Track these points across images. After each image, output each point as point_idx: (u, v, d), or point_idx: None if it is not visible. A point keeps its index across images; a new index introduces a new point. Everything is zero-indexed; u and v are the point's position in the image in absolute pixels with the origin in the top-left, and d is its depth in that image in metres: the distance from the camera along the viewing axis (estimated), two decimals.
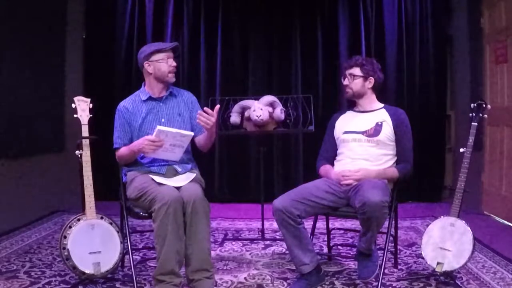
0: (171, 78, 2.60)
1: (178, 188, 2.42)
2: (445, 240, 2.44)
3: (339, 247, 3.25)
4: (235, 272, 2.74)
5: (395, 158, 2.60)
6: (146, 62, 2.58)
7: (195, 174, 2.57)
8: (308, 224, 2.61)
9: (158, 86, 2.63)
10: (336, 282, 2.57)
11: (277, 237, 3.43)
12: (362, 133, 2.59)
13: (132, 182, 2.51)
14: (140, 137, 2.53)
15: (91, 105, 2.54)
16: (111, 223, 2.50)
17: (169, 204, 2.25)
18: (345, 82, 2.66)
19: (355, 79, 2.62)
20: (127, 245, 2.53)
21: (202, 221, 2.34)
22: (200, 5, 4.80)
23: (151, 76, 2.61)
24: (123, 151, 2.56)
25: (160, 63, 2.56)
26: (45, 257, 2.98)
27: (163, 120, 2.59)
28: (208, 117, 2.39)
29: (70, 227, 2.43)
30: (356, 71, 2.62)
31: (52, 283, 2.53)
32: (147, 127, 2.57)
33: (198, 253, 2.35)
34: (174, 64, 2.58)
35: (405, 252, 3.09)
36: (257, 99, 3.29)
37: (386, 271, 2.64)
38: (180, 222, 2.30)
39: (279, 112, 3.25)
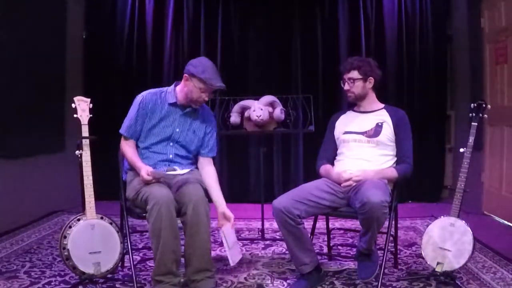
0: (195, 105, 2.54)
1: (179, 187, 2.41)
2: (445, 240, 2.44)
3: (339, 247, 3.25)
4: (235, 272, 2.74)
5: (395, 159, 2.59)
6: (187, 75, 2.49)
7: (193, 168, 2.56)
8: (308, 224, 2.61)
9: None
10: (336, 282, 2.57)
11: (277, 237, 3.43)
12: (362, 133, 2.59)
13: (131, 182, 2.51)
14: (148, 137, 2.55)
15: (91, 105, 2.53)
16: (111, 223, 2.50)
17: (160, 203, 2.24)
18: (346, 87, 2.63)
19: (356, 83, 2.60)
20: (127, 245, 2.53)
21: (203, 222, 2.34)
22: (200, 5, 4.80)
23: (184, 87, 2.53)
24: (128, 154, 2.54)
25: (195, 88, 2.47)
26: (45, 257, 2.98)
27: (177, 130, 2.56)
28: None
29: (70, 227, 2.43)
30: (355, 74, 2.60)
31: (52, 283, 2.53)
32: (159, 131, 2.55)
33: (199, 253, 2.34)
34: (206, 99, 2.52)
35: (405, 252, 3.09)
36: (257, 99, 3.29)
37: (386, 271, 2.64)
38: (174, 221, 2.29)
39: (279, 112, 3.25)
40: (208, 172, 2.63)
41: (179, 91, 2.56)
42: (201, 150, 2.67)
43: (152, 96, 2.57)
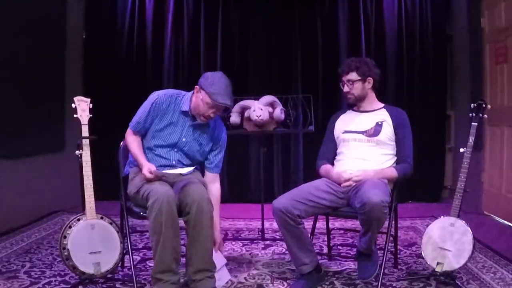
0: (201, 120, 2.48)
1: (182, 188, 2.41)
2: (445, 240, 2.44)
3: (339, 247, 3.25)
4: (235, 272, 2.74)
5: (395, 158, 2.59)
6: (198, 87, 2.44)
7: (195, 166, 2.55)
8: (308, 224, 2.61)
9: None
10: (336, 282, 2.57)
11: (277, 237, 3.43)
12: (362, 132, 2.59)
13: (133, 179, 2.51)
14: (154, 137, 2.52)
15: (91, 105, 2.53)
16: (111, 223, 2.50)
17: (162, 200, 2.23)
18: (345, 89, 2.63)
19: (355, 84, 2.59)
20: (127, 245, 2.53)
21: (205, 222, 2.33)
22: (200, 5, 4.81)
23: (195, 99, 2.49)
24: (133, 148, 2.51)
25: (202, 102, 2.41)
26: (45, 257, 2.98)
27: (183, 139, 2.53)
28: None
29: (70, 227, 2.43)
30: (353, 75, 2.59)
31: (52, 283, 2.53)
32: (165, 136, 2.52)
33: (201, 253, 2.34)
34: (211, 115, 2.43)
35: (405, 252, 3.09)
36: (257, 99, 3.30)
37: (386, 271, 2.64)
38: (174, 218, 2.28)
39: (279, 112, 3.25)
40: (212, 191, 2.58)
41: (192, 100, 2.51)
42: (207, 164, 2.64)
43: (167, 99, 2.52)
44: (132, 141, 2.54)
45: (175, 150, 2.55)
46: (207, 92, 2.38)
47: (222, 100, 2.37)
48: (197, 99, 2.45)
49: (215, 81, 2.39)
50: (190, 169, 2.49)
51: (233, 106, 2.47)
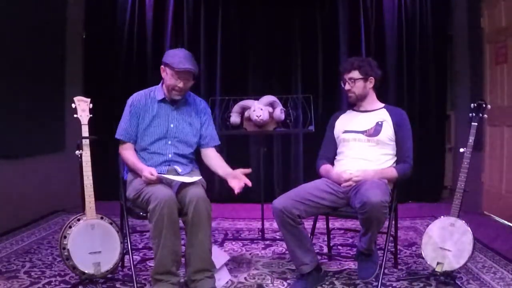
0: (174, 95, 2.53)
1: (180, 188, 2.41)
2: (445, 240, 2.44)
3: (339, 247, 3.25)
4: (235, 272, 2.74)
5: (395, 158, 2.59)
6: (162, 65, 2.53)
7: (200, 177, 2.55)
8: (308, 224, 2.61)
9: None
10: (336, 282, 2.57)
11: (277, 237, 3.43)
12: (362, 132, 2.59)
13: (131, 183, 2.51)
14: (144, 137, 2.54)
15: (91, 105, 2.53)
16: (111, 223, 2.50)
17: (163, 204, 2.24)
18: (347, 87, 2.63)
19: (356, 83, 2.60)
20: (127, 245, 2.53)
21: (204, 222, 2.34)
22: (200, 5, 4.80)
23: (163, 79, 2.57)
24: (128, 158, 2.53)
25: (167, 76, 2.50)
26: (45, 257, 2.98)
27: (172, 125, 2.56)
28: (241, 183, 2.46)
29: (70, 227, 2.43)
30: (355, 74, 2.60)
31: (52, 283, 2.53)
32: (155, 130, 2.55)
33: (200, 253, 2.34)
34: (180, 85, 2.48)
35: (405, 252, 3.09)
36: (257, 99, 3.30)
37: (386, 271, 2.64)
38: (175, 222, 2.29)
39: (279, 112, 3.25)
40: (215, 157, 2.64)
41: (164, 87, 2.58)
42: (202, 141, 2.66)
43: (142, 97, 2.59)
44: (125, 152, 2.57)
45: (169, 142, 2.56)
46: (168, 64, 2.47)
47: (182, 66, 2.44)
48: (164, 78, 2.53)
49: (173, 54, 2.52)
50: (193, 178, 2.47)
51: (197, 71, 2.51)
